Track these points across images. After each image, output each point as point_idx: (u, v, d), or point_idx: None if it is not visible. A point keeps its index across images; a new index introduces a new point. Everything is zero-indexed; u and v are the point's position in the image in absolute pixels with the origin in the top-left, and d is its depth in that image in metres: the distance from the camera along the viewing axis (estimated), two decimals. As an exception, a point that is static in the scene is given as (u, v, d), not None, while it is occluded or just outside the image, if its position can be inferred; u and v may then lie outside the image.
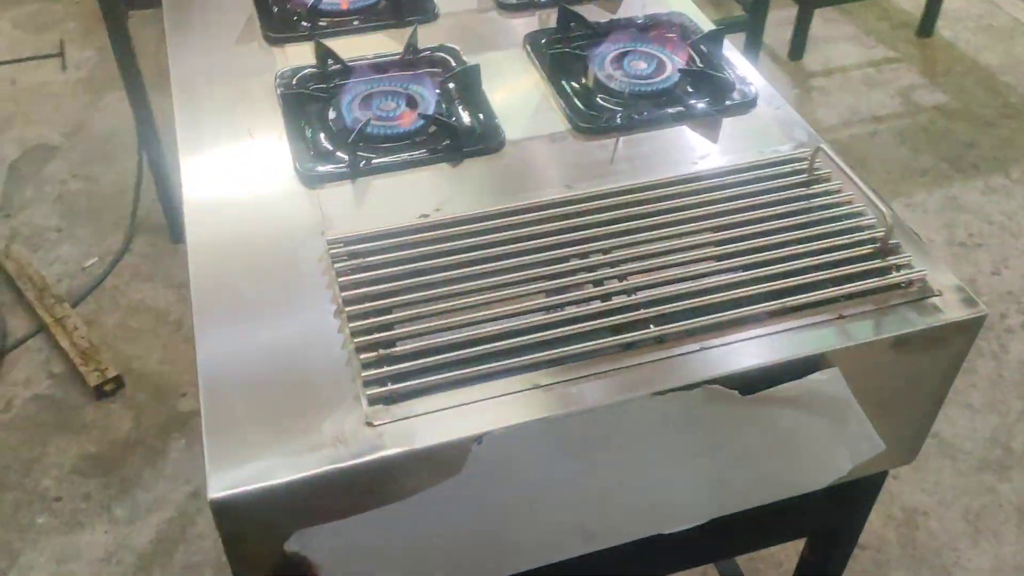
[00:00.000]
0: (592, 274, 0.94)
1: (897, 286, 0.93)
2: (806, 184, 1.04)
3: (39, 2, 3.36)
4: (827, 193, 1.03)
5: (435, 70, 1.22)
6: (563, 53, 1.21)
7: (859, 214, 1.00)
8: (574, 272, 0.94)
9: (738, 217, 1.00)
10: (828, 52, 3.12)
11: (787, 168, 1.06)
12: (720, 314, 0.89)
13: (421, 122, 1.10)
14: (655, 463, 0.90)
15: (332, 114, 1.13)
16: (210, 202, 1.04)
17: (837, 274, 0.94)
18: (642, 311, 0.90)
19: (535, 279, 0.93)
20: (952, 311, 0.91)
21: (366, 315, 0.89)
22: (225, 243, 0.99)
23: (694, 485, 0.94)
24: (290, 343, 0.87)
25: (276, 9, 1.33)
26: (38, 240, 2.43)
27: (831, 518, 1.15)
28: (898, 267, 0.94)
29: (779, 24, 3.14)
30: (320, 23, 1.30)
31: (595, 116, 1.14)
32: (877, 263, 0.95)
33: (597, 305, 0.90)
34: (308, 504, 0.78)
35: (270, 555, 0.80)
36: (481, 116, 1.14)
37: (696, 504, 0.97)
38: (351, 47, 1.26)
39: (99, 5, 2.01)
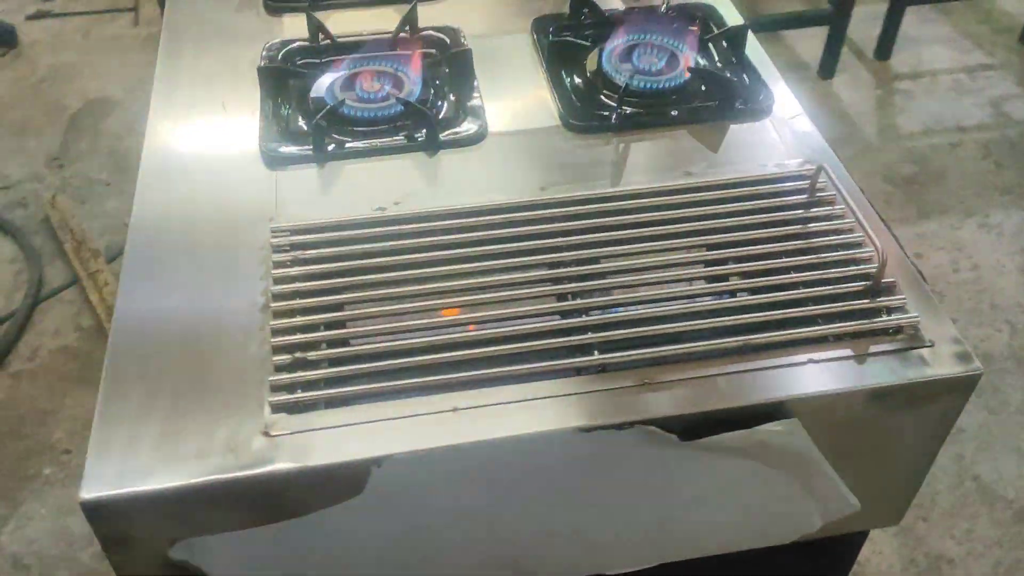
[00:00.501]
0: (545, 288, 0.86)
1: (884, 332, 0.82)
2: (805, 206, 0.93)
3: (122, -45, 3.40)
4: (826, 218, 0.92)
5: (431, 51, 1.15)
6: (565, 42, 1.12)
7: (857, 245, 0.89)
8: (524, 284, 0.86)
9: (720, 238, 0.90)
10: (919, 53, 2.92)
11: (787, 186, 0.95)
12: (675, 346, 0.80)
13: (399, 107, 1.03)
14: (585, 501, 0.82)
15: (310, 93, 1.07)
16: (165, 171, 1.00)
17: (817, 312, 0.83)
18: (589, 335, 0.81)
19: (481, 289, 0.85)
20: (942, 366, 0.80)
21: (291, 313, 0.83)
22: (170, 216, 0.94)
23: (634, 528, 0.86)
24: (208, 334, 0.82)
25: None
26: (87, 192, 2.46)
27: (806, 572, 1.04)
28: (888, 310, 0.84)
29: (869, 20, 2.94)
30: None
31: (588, 113, 1.05)
32: (864, 303, 0.84)
33: (540, 323, 0.82)
34: (192, 513, 0.73)
35: (153, 561, 0.76)
36: (467, 104, 1.06)
37: (640, 547, 0.88)
38: (352, 21, 1.20)
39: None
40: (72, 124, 2.68)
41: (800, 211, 0.93)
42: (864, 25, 2.94)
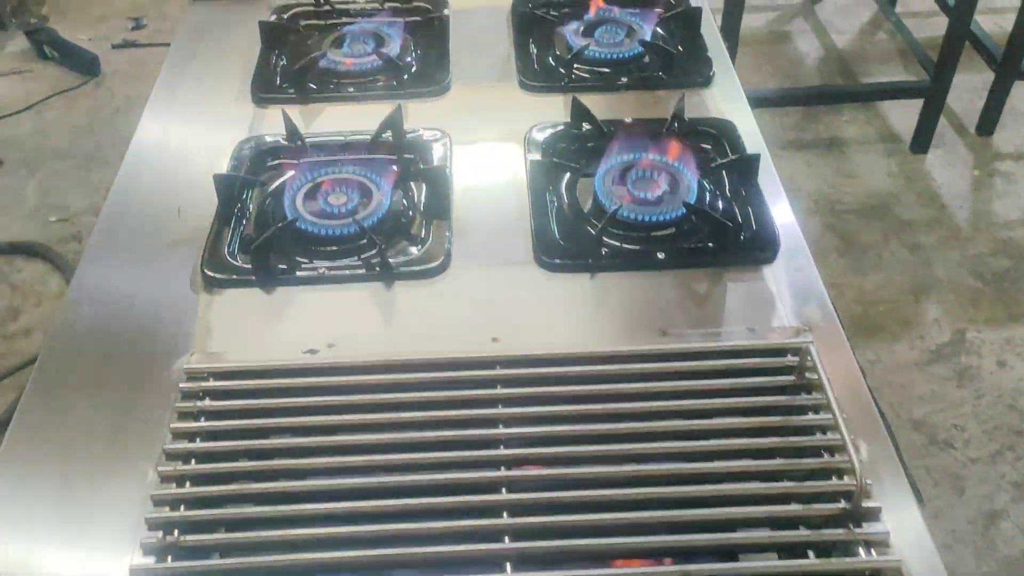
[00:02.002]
0: (471, 474, 0.75)
1: (859, 574, 0.68)
2: (789, 390, 0.80)
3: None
4: (812, 409, 0.78)
5: (412, 157, 1.06)
6: (551, 164, 1.01)
7: (842, 448, 0.75)
8: (450, 467, 0.75)
9: (681, 425, 0.77)
10: (1027, 130, 2.67)
11: (772, 363, 0.81)
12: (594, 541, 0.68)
13: (355, 228, 0.94)
14: None
15: (271, 202, 0.99)
16: (101, 274, 0.93)
17: (781, 539, 0.70)
18: (504, 518, 0.70)
19: (401, 467, 0.75)
20: (921, 631, 0.65)
21: (181, 480, 0.74)
22: (92, 329, 0.88)
23: None
24: (87, 480, 0.75)
25: (278, 67, 1.20)
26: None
27: None
28: (867, 544, 0.69)
29: (973, 89, 2.72)
30: (309, 86, 1.16)
31: (565, 248, 0.93)
32: (840, 533, 0.70)
33: (449, 500, 0.71)
34: None
35: None
36: (432, 230, 0.96)
37: None
38: (336, 118, 1.12)
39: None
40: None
41: (783, 397, 0.79)
42: (967, 95, 2.72)
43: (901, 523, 0.70)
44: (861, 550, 0.69)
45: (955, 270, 2.25)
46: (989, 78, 2.58)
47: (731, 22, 2.44)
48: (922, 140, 2.57)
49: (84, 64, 2.98)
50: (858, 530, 0.69)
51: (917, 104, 2.54)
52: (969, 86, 2.70)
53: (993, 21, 2.97)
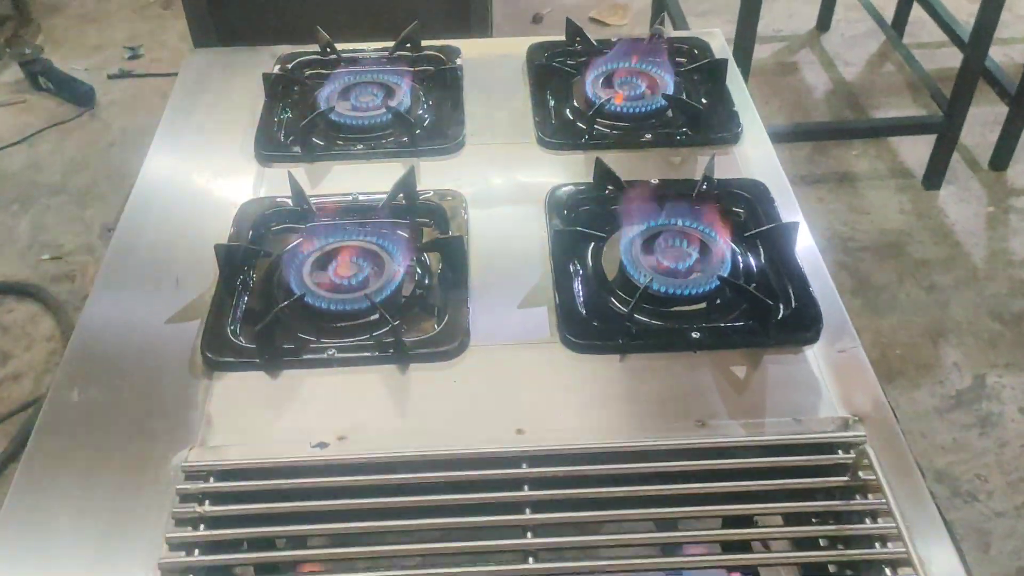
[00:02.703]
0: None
1: None
2: (843, 494, 0.73)
3: (210, 15, 3.39)
4: (870, 515, 0.71)
5: (427, 221, 1.00)
6: (574, 233, 0.95)
7: (904, 562, 0.68)
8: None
9: (724, 534, 0.71)
10: (1042, 165, 2.62)
11: (823, 460, 0.75)
12: None
13: (366, 304, 0.88)
14: None
15: (276, 273, 0.93)
16: (94, 353, 0.87)
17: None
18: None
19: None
20: None
21: (178, 598, 0.68)
22: (83, 417, 0.82)
23: None
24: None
25: (283, 121, 1.14)
26: (134, 268, 2.40)
27: None
28: None
29: (984, 123, 2.67)
30: (315, 141, 1.09)
31: (592, 328, 0.87)
32: (906, 664, 0.63)
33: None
34: None
35: None
36: (452, 307, 0.90)
37: None
38: (345, 177, 1.06)
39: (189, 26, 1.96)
40: (134, 191, 2.64)
41: (836, 502, 0.72)
42: (979, 128, 2.67)
43: (974, 651, 0.64)
44: None
45: (972, 311, 2.19)
46: (1001, 111, 2.54)
47: (743, 55, 2.39)
48: (935, 176, 2.52)
49: (79, 95, 2.92)
50: (928, 661, 0.63)
51: (929, 139, 2.49)
52: (981, 119, 2.65)
53: (1003, 52, 2.93)
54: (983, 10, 2.20)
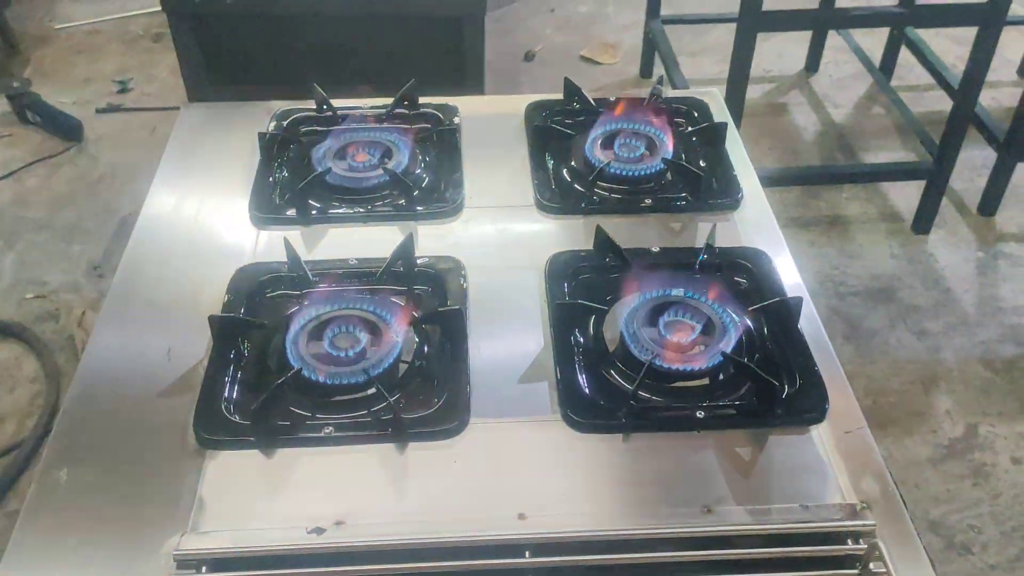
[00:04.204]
0: None
1: None
2: (853, 586, 0.72)
3: (200, 49, 3.38)
4: (879, 611, 0.70)
5: (425, 288, 0.98)
6: (575, 306, 0.93)
7: (919, 664, 0.67)
8: None
9: (734, 629, 0.69)
10: (1030, 210, 2.64)
11: (833, 551, 0.74)
12: None
13: (364, 377, 0.86)
14: None
15: (270, 347, 0.91)
16: (82, 428, 0.85)
17: None
18: None
19: None
20: None
21: None
22: (71, 499, 0.79)
23: None
24: None
25: (278, 181, 1.13)
26: (120, 308, 2.37)
27: None
28: None
29: (973, 168, 2.69)
30: (309, 203, 1.08)
31: (595, 407, 0.85)
32: None
33: None
34: None
35: None
36: (448, 382, 0.88)
37: None
38: (341, 242, 1.05)
39: (182, 76, 1.95)
40: (120, 229, 2.62)
41: (846, 595, 0.71)
42: (967, 172, 2.68)
43: None
44: None
45: (964, 358, 2.19)
46: (989, 155, 2.55)
47: (735, 97, 2.40)
48: (924, 221, 2.53)
49: (67, 129, 2.90)
50: None
51: (918, 182, 2.50)
52: (969, 164, 2.67)
53: (991, 96, 2.95)
54: (973, 58, 2.22)
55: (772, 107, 3.04)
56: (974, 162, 2.69)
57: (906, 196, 2.60)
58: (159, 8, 1.81)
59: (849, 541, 0.74)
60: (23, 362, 2.21)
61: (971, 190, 2.66)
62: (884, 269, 2.43)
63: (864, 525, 0.75)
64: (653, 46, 2.97)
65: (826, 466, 0.81)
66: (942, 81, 2.60)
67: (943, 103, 2.40)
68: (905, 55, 3.00)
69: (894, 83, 2.97)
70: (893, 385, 2.12)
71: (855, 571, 0.72)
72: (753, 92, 3.04)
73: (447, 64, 1.61)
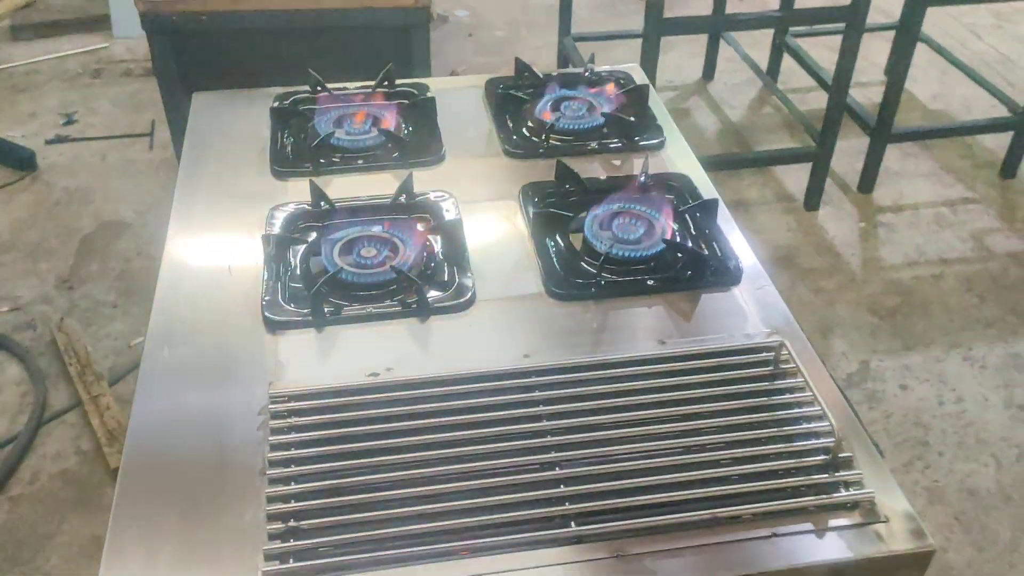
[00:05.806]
0: (528, 458, 0.91)
1: (842, 506, 0.88)
2: (770, 378, 1.00)
3: (141, 82, 3.57)
4: (789, 391, 0.98)
5: (424, 216, 1.24)
6: (549, 213, 1.21)
7: (818, 417, 0.95)
8: (510, 454, 0.91)
9: (689, 409, 0.96)
10: (901, 187, 3.04)
11: (752, 359, 1.02)
12: (646, 519, 0.85)
13: (393, 274, 1.11)
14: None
15: (311, 257, 1.15)
16: (171, 332, 1.07)
17: (780, 485, 0.89)
18: (567, 506, 0.87)
19: (470, 457, 0.91)
20: (896, 542, 0.85)
21: (286, 481, 0.88)
22: (174, 376, 1.01)
23: None
24: (207, 499, 0.88)
25: (288, 145, 1.37)
26: (94, 314, 2.53)
27: None
28: (846, 484, 0.89)
29: (853, 154, 3.08)
30: (321, 161, 1.33)
31: (570, 282, 1.12)
32: (824, 477, 0.89)
33: (521, 495, 0.88)
34: None
35: None
36: (458, 272, 1.14)
37: None
38: (352, 185, 1.29)
39: (159, 85, 2.15)
40: (83, 246, 2.78)
41: (765, 383, 0.99)
42: (848, 159, 3.08)
43: (868, 470, 0.90)
44: (842, 488, 0.88)
45: (854, 309, 2.54)
46: (864, 142, 2.95)
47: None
48: (813, 199, 2.89)
49: (20, 160, 3.05)
50: (838, 474, 0.89)
51: (806, 168, 2.87)
52: (848, 151, 3.06)
53: (863, 94, 3.37)
54: (843, 51, 2.61)
55: (676, 111, 3.40)
56: (852, 149, 3.08)
57: (797, 180, 2.97)
58: (96, 47, 2.02)
59: (764, 353, 1.02)
60: (6, 367, 2.36)
61: (851, 172, 3.05)
62: (783, 241, 2.78)
63: (773, 341, 1.03)
64: (567, 60, 3.30)
65: (744, 311, 1.10)
66: (820, 81, 3.00)
67: (824, 101, 2.77)
68: (788, 62, 3.41)
69: (780, 86, 3.37)
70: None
71: (770, 368, 1.00)
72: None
73: (398, 59, 1.88)
